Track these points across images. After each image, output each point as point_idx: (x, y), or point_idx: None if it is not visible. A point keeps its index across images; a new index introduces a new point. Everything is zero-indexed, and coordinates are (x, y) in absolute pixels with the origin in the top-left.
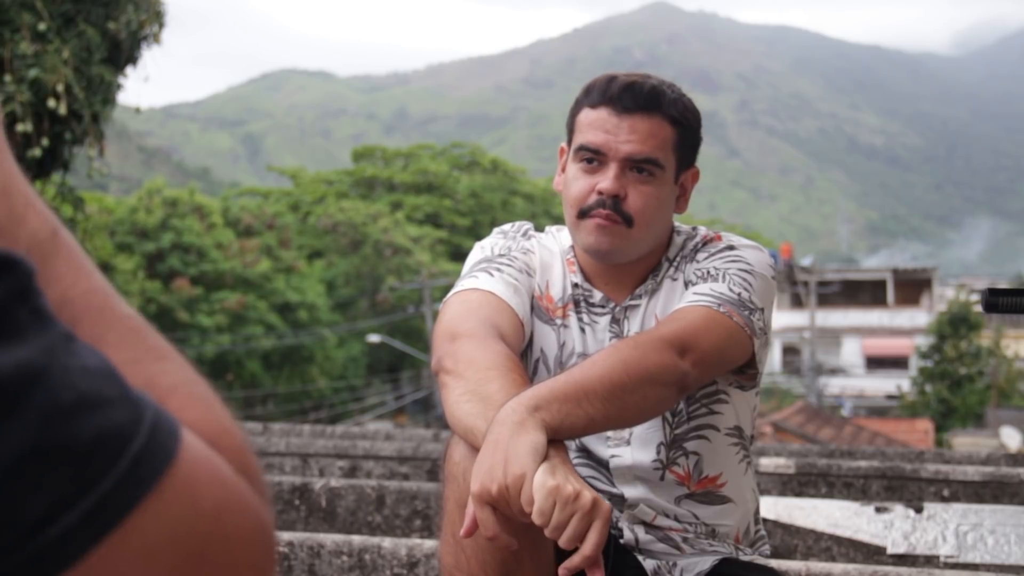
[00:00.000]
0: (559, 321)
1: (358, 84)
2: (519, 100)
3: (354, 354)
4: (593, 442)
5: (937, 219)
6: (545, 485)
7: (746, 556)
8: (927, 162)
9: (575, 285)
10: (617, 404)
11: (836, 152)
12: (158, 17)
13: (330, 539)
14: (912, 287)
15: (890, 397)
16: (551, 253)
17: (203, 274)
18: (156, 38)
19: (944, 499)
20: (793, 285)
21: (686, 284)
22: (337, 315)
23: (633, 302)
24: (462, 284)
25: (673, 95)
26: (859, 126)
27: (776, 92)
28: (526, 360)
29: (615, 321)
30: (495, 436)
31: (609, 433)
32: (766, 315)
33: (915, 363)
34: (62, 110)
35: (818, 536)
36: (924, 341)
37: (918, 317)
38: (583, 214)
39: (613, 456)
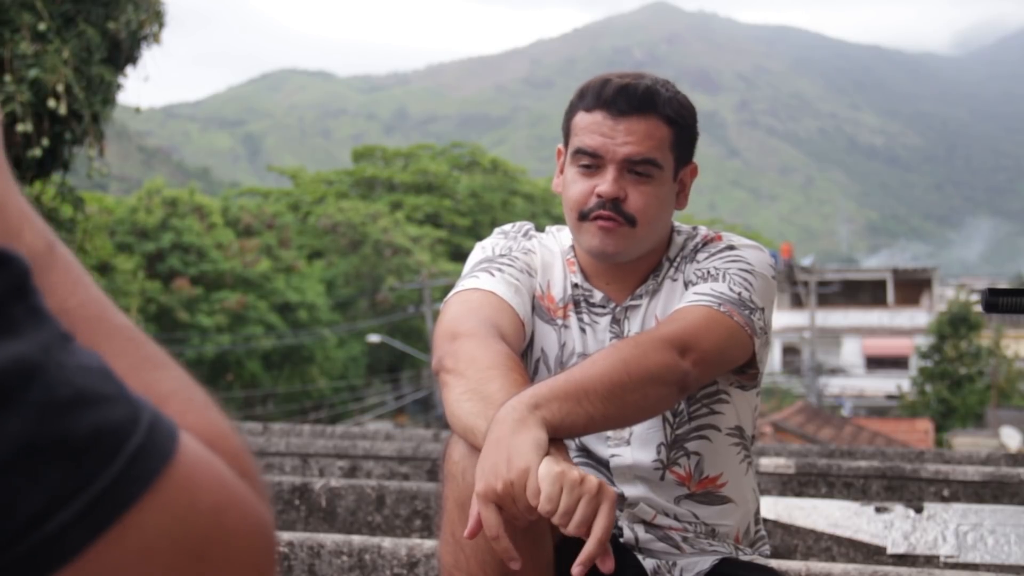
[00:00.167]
0: (560, 321)
1: (358, 84)
2: (519, 100)
3: (354, 354)
4: (593, 442)
5: (937, 219)
6: (551, 471)
7: (746, 556)
8: (927, 162)
9: (575, 285)
10: (617, 403)
11: (836, 152)
12: (158, 17)
13: (330, 539)
14: (912, 287)
15: (890, 397)
16: (552, 253)
17: (203, 274)
18: (156, 38)
19: (944, 499)
20: (793, 285)
21: (686, 284)
22: (337, 315)
23: (633, 302)
24: (463, 284)
25: (667, 94)
26: (859, 126)
27: (776, 92)
28: (527, 360)
29: (616, 321)
30: (496, 434)
31: (609, 433)
32: (767, 315)
33: (915, 363)
34: (62, 110)
35: (818, 536)
36: (924, 341)
37: (918, 317)
38: (584, 217)
39: (613, 456)
